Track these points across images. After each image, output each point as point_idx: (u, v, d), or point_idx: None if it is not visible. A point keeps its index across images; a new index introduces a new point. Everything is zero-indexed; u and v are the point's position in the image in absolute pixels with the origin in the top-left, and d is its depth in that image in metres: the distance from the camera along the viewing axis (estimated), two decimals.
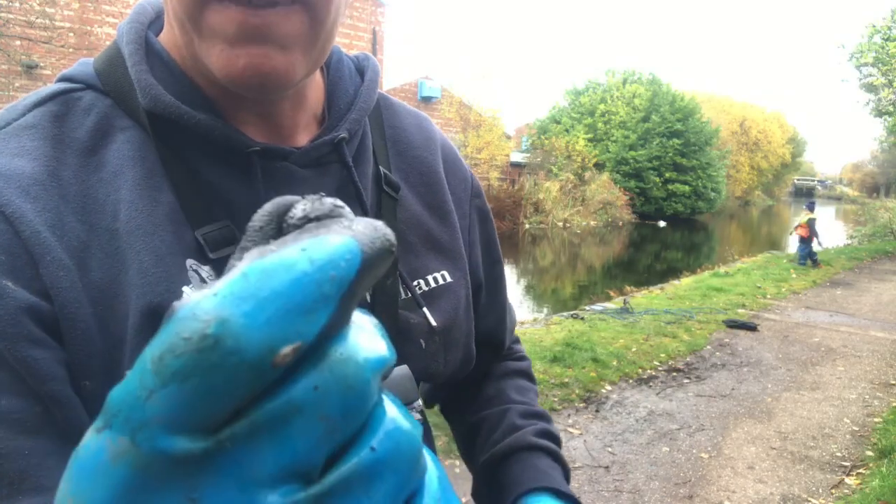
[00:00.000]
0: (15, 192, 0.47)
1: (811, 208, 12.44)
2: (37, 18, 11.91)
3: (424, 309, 0.63)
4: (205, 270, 0.51)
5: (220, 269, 0.51)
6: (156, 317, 0.48)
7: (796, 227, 12.27)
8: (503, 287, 0.80)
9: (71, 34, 13.11)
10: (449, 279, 0.66)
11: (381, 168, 0.64)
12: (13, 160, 0.49)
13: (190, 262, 0.51)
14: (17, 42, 12.03)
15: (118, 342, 0.48)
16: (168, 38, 0.56)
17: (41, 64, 12.82)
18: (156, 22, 0.59)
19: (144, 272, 0.49)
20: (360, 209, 0.59)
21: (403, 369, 0.57)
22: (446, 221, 0.68)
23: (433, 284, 0.65)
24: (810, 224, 11.96)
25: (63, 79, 0.56)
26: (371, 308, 0.59)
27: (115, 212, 0.50)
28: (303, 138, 0.59)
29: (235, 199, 0.54)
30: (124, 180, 0.51)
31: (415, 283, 0.64)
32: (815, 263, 12.23)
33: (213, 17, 0.46)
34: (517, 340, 0.88)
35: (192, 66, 0.54)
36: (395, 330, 0.60)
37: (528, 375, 0.84)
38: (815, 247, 12.34)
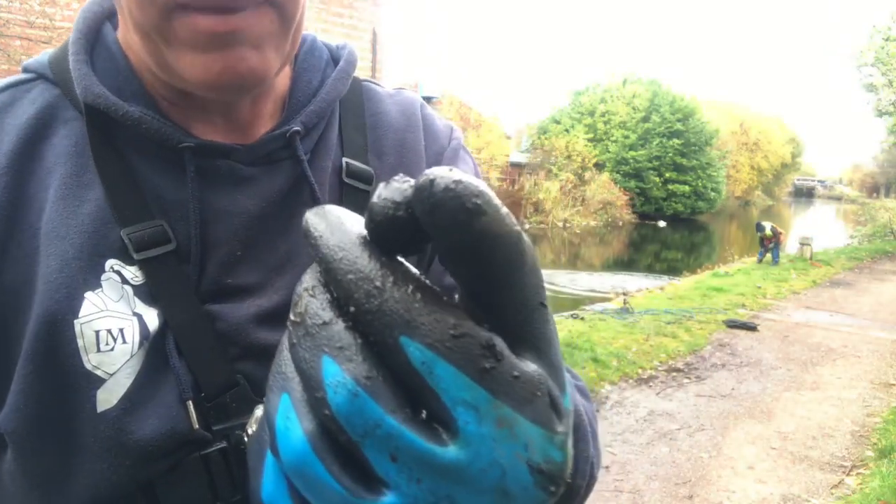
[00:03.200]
0: None
1: (761, 228, 12.66)
2: (37, 18, 11.91)
3: None
4: (129, 271, 0.49)
5: (146, 269, 0.49)
6: (53, 324, 0.46)
7: (769, 239, 12.41)
8: None
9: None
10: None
11: (344, 160, 0.59)
12: None
13: (112, 262, 0.49)
14: (17, 42, 12.03)
15: (11, 350, 0.47)
16: (122, 34, 0.54)
17: None
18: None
19: (47, 277, 0.47)
20: (313, 205, 0.54)
21: None
22: None
23: None
24: (774, 231, 12.21)
25: (22, 69, 0.55)
26: None
27: (41, 209, 0.49)
28: (263, 130, 0.56)
29: (167, 197, 0.51)
30: (55, 177, 0.50)
31: None
32: (775, 261, 12.43)
33: (180, 27, 0.44)
34: None
35: (144, 64, 0.52)
36: None
37: None
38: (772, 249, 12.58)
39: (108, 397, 0.47)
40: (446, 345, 0.23)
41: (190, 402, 0.48)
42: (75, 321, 0.47)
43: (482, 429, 0.23)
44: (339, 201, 0.57)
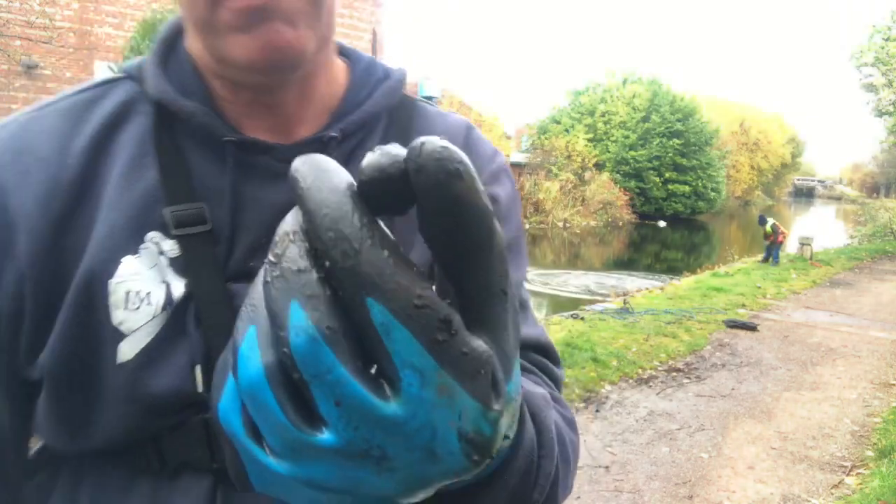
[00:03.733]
0: (17, 169, 0.55)
1: (763, 221, 12.61)
2: (37, 18, 11.90)
3: None
4: (167, 244, 0.55)
5: (182, 244, 0.55)
6: (91, 281, 0.53)
7: (773, 237, 12.35)
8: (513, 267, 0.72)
9: (71, 34, 13.09)
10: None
11: None
12: (32, 138, 0.56)
13: (152, 234, 0.55)
14: (17, 42, 12.02)
15: (60, 301, 0.54)
16: (189, 40, 0.61)
17: (41, 64, 12.79)
18: None
19: (96, 241, 0.54)
20: None
21: None
22: None
23: None
24: (775, 228, 12.15)
25: (118, 70, 0.63)
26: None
27: (106, 183, 0.56)
28: (306, 134, 0.61)
29: (209, 184, 0.57)
30: (122, 157, 0.57)
31: None
32: (775, 261, 12.36)
33: (223, 12, 0.50)
34: (543, 352, 0.69)
35: (206, 65, 0.59)
36: None
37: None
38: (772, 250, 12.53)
39: (127, 351, 0.53)
40: (407, 312, 0.25)
41: (198, 367, 0.53)
42: (109, 280, 0.53)
43: (423, 392, 0.26)
44: None
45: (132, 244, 0.54)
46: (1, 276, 0.53)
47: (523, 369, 0.66)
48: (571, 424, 0.63)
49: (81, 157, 0.56)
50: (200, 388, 0.53)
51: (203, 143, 0.58)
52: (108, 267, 0.53)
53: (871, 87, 20.89)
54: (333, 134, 0.60)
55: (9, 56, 11.79)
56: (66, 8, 13.38)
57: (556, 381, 0.68)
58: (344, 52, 0.67)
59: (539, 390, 0.56)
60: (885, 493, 3.38)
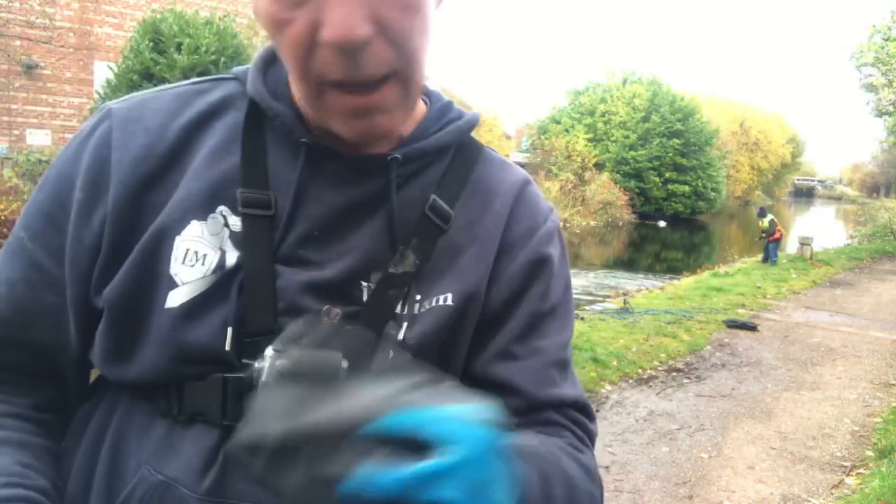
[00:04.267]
0: (125, 132, 0.64)
1: (763, 214, 12.57)
2: (37, 18, 11.89)
3: (405, 323, 0.65)
4: (234, 219, 0.63)
5: (245, 222, 0.63)
6: (162, 232, 0.61)
7: (769, 236, 12.32)
8: (544, 336, 0.71)
9: (71, 34, 13.09)
10: (450, 302, 0.66)
11: (433, 196, 0.68)
12: (145, 111, 0.66)
13: (222, 208, 0.63)
14: (17, 42, 12.01)
15: (127, 247, 0.62)
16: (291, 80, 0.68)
17: (41, 64, 12.79)
18: None
19: (174, 201, 0.63)
20: (387, 219, 0.66)
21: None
22: (481, 254, 0.69)
23: (433, 304, 0.66)
24: (773, 225, 12.12)
25: (228, 72, 0.73)
26: (362, 314, 0.64)
27: (195, 159, 0.65)
28: (373, 152, 0.67)
29: (281, 177, 0.64)
30: (213, 139, 0.66)
31: (422, 301, 0.66)
32: (773, 261, 12.31)
33: (331, 101, 0.57)
34: (580, 410, 0.72)
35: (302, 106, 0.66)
36: (377, 337, 0.64)
37: (556, 455, 0.65)
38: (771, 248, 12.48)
39: (175, 299, 0.60)
40: None
41: (230, 329, 0.60)
42: (177, 237, 0.61)
43: None
44: (416, 226, 0.67)
45: (203, 212, 0.62)
46: (91, 215, 0.62)
47: (561, 426, 0.70)
48: (590, 473, 0.67)
49: (180, 132, 0.65)
50: (228, 347, 0.60)
51: (283, 140, 0.65)
52: (178, 225, 0.62)
53: (871, 87, 20.87)
54: (396, 155, 0.65)
55: (9, 56, 11.79)
56: (66, 8, 13.37)
57: (591, 436, 0.73)
58: (426, 93, 0.74)
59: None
60: (885, 493, 3.38)
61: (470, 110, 0.76)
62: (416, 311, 0.65)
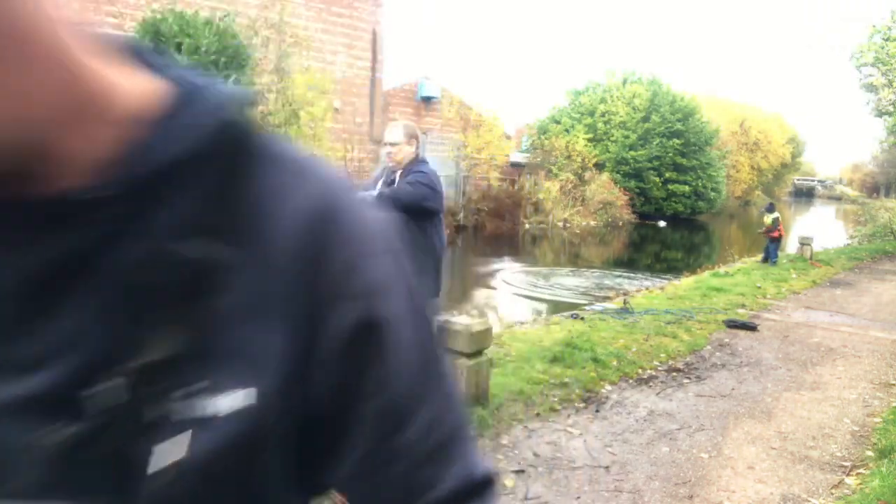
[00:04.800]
0: None
1: (772, 209, 12.55)
2: None
3: (165, 443, 0.42)
4: None
5: None
6: None
7: (769, 232, 12.31)
8: (403, 426, 0.50)
9: None
10: (246, 402, 0.44)
11: (184, 240, 0.42)
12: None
13: None
14: None
15: None
16: None
17: None
18: None
19: None
20: (108, 288, 0.41)
21: None
22: (274, 321, 0.45)
23: (215, 409, 0.43)
24: (776, 222, 12.10)
25: None
26: (88, 440, 0.41)
27: None
28: (74, 182, 0.41)
29: None
30: None
31: (191, 405, 0.43)
32: (773, 261, 12.29)
33: None
34: (471, 495, 0.53)
35: None
36: (112, 471, 0.41)
37: None
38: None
39: None
40: None
41: None
42: None
43: None
44: (158, 290, 0.45)
45: None
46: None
47: None
48: None
49: None
50: None
51: None
52: None
53: (871, 87, 20.87)
54: (107, 192, 0.43)
55: None
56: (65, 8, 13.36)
57: None
58: (173, 78, 0.48)
59: None
60: (885, 493, 3.38)
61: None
62: (180, 424, 0.42)
